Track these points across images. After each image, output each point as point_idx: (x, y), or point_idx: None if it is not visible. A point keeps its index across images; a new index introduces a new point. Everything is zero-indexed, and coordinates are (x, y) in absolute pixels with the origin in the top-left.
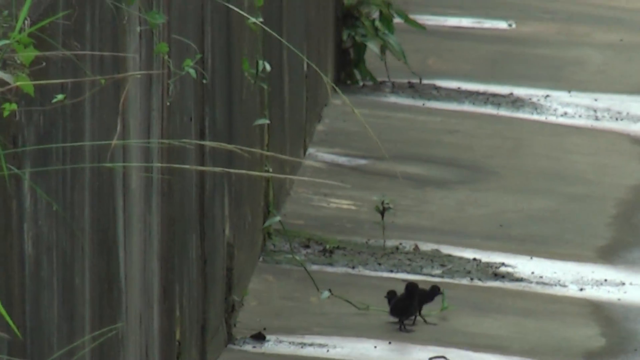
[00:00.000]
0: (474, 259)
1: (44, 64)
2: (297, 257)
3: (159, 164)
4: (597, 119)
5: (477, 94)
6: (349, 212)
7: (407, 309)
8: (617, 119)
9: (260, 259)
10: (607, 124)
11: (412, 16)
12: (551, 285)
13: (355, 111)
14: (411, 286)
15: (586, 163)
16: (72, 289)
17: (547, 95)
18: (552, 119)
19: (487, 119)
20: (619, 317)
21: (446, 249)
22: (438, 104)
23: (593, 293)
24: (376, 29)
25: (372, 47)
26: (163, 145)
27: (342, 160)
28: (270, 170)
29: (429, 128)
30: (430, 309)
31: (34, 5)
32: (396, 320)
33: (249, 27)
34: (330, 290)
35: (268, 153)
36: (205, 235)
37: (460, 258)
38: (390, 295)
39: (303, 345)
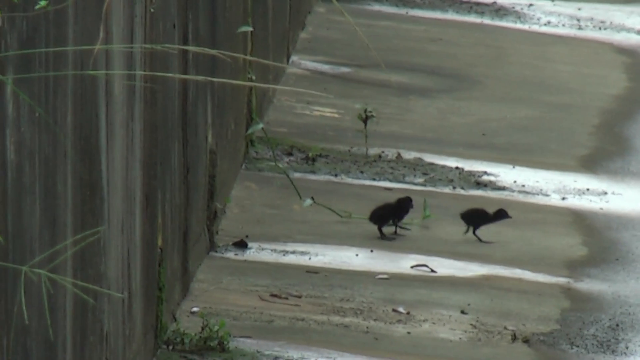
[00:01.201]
0: (457, 168)
1: None
2: (280, 165)
3: (142, 72)
4: (580, 28)
5: (461, 2)
6: (332, 120)
7: (385, 217)
8: (600, 28)
9: (243, 166)
10: (590, 33)
11: None
12: (533, 194)
13: (346, 15)
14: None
15: (569, 72)
16: (54, 195)
17: (531, 4)
18: (535, 27)
19: (470, 27)
20: (601, 226)
21: (429, 158)
22: (422, 12)
23: (575, 202)
24: None
25: None
26: (146, 51)
27: (325, 68)
28: (254, 78)
29: (412, 36)
30: (412, 218)
31: None
32: (379, 227)
33: None
34: (312, 198)
35: (251, 58)
36: (188, 143)
37: (443, 167)
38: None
39: (285, 252)
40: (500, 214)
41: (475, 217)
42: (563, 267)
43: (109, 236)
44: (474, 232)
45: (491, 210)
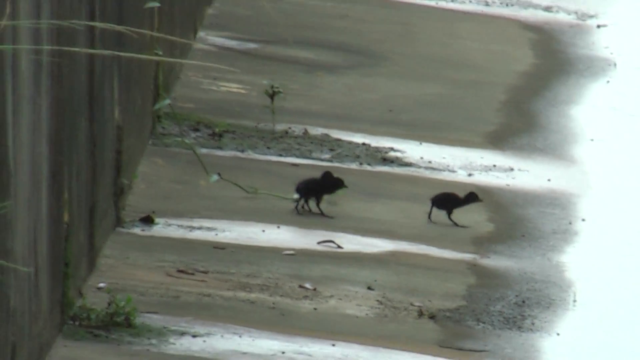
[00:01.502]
0: (363, 144)
1: None
2: (187, 141)
3: (49, 47)
4: (487, 4)
5: None
6: (239, 96)
7: (310, 191)
8: (507, 5)
9: (150, 142)
10: (498, 10)
11: None
12: (440, 170)
13: None
14: (326, 174)
15: (476, 49)
16: None
17: None
18: (442, 4)
19: (378, 4)
20: (507, 202)
21: (336, 134)
22: None
23: (482, 178)
24: None
25: None
26: (53, 26)
27: (233, 43)
28: (161, 54)
29: (319, 13)
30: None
31: None
32: (297, 199)
33: None
34: (219, 174)
35: (157, 34)
36: (95, 119)
37: (350, 142)
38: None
39: (192, 228)
40: (471, 197)
41: (447, 202)
42: (469, 243)
43: (15, 212)
44: (448, 217)
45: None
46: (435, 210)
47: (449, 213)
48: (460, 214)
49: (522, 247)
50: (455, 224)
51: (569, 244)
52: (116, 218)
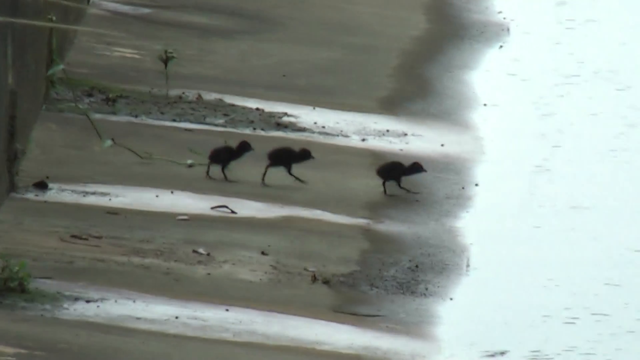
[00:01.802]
0: (257, 109)
1: None
2: (80, 106)
3: None
4: None
5: None
6: (133, 61)
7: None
8: None
9: (44, 107)
10: None
11: None
12: (334, 135)
13: None
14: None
15: (370, 14)
16: None
17: None
18: None
19: None
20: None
21: (229, 99)
22: None
23: (376, 143)
24: None
25: None
26: None
27: (126, 8)
28: (54, 19)
29: None
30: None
31: None
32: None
33: None
34: (113, 139)
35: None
36: None
37: (244, 108)
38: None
39: (85, 194)
40: (415, 168)
41: (392, 171)
42: (363, 208)
43: None
44: (399, 186)
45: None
46: (329, 176)
47: (398, 183)
48: (355, 180)
49: (416, 212)
50: (409, 191)
51: (462, 209)
52: (10, 183)
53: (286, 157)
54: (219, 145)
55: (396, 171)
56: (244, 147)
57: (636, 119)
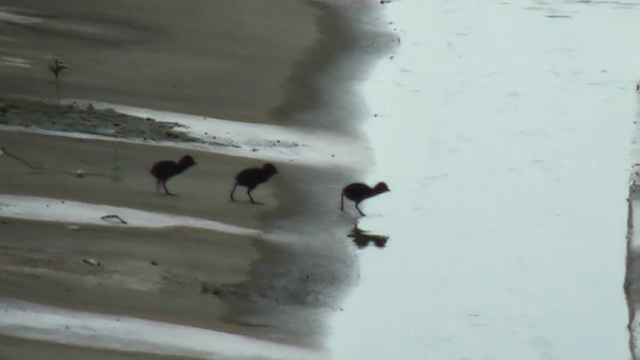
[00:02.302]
0: (148, 119)
1: None
2: None
3: None
4: None
5: None
6: (24, 71)
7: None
8: None
9: None
10: None
11: None
12: (224, 145)
13: None
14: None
15: (262, 25)
16: None
17: None
18: None
19: None
20: (291, 177)
21: (120, 109)
22: None
23: (266, 154)
24: None
25: None
26: None
27: (17, 18)
28: None
29: None
30: (103, 169)
31: None
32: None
33: None
34: (3, 149)
35: None
36: None
37: (134, 118)
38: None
39: None
40: (381, 188)
41: (358, 192)
42: (254, 218)
43: None
44: (356, 207)
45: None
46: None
47: (357, 203)
48: (244, 190)
49: (306, 223)
50: (362, 214)
51: (352, 220)
52: None
53: (360, 192)
54: (162, 160)
55: (361, 192)
56: (188, 161)
57: (525, 126)
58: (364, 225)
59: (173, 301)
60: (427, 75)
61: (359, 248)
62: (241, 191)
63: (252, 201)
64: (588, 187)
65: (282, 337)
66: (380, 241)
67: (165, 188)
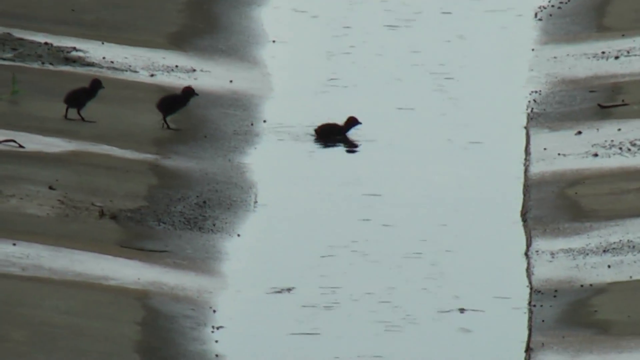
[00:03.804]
0: (45, 43)
1: None
2: None
3: None
4: None
5: None
6: None
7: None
8: None
9: None
10: None
11: None
12: (122, 70)
13: None
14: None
15: None
16: None
17: None
18: None
19: None
20: (189, 103)
21: (18, 33)
22: None
23: (164, 79)
24: None
25: None
26: None
27: None
28: None
29: None
30: (0, 93)
31: None
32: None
33: None
34: None
35: None
36: None
37: (32, 42)
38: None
39: None
40: (351, 123)
41: (331, 133)
42: (151, 144)
43: None
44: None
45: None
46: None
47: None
48: (143, 115)
49: (203, 148)
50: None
51: (250, 145)
52: None
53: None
54: (76, 87)
55: (334, 132)
56: (97, 85)
57: (420, 47)
58: (262, 150)
59: (70, 226)
60: (325, 1)
61: (257, 174)
62: (138, 116)
63: (168, 127)
64: (486, 114)
65: (179, 262)
66: (278, 168)
67: (80, 115)
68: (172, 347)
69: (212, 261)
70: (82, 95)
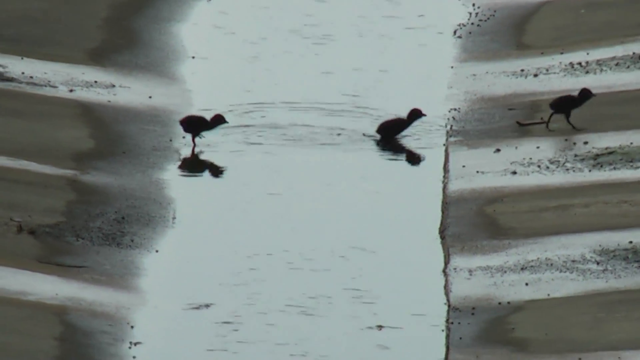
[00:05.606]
0: None
1: None
2: None
3: None
4: None
5: None
6: None
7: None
8: None
9: None
10: None
11: None
12: (41, 86)
13: None
14: None
15: None
16: None
17: None
18: None
19: None
20: (109, 119)
21: None
22: None
23: (83, 95)
24: None
25: None
26: None
27: None
28: None
29: None
30: None
31: None
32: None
33: None
34: None
35: None
36: None
37: None
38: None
39: None
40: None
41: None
42: (70, 159)
43: None
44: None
45: None
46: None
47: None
48: (62, 131)
49: (122, 164)
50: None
51: (169, 161)
52: None
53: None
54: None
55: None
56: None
57: (334, 69)
58: (180, 167)
59: None
60: (243, 18)
61: (176, 190)
62: (57, 131)
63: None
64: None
65: (97, 278)
66: (196, 183)
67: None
68: None
69: (130, 277)
70: None
